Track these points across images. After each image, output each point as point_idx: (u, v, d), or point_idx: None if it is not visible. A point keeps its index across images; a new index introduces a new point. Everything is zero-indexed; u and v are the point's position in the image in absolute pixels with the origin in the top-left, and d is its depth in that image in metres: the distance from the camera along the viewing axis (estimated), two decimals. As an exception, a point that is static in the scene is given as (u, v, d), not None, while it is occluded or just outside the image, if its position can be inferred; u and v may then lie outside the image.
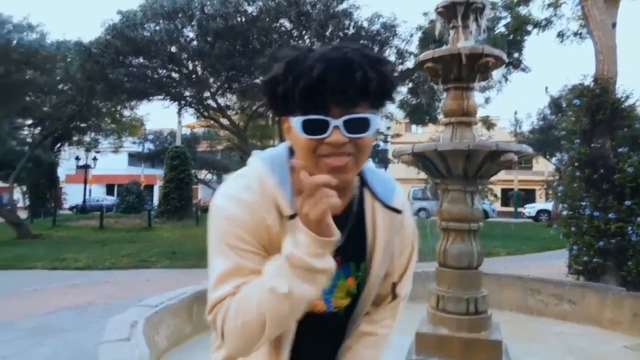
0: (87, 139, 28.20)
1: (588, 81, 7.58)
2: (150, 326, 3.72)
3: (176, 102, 16.87)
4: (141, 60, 14.72)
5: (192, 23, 13.80)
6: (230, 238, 0.98)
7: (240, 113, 19.45)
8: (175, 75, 15.50)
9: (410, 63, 15.15)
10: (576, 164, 7.29)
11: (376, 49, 14.67)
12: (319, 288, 0.92)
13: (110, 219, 22.16)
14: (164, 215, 22.43)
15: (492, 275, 5.37)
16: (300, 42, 14.66)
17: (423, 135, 30.54)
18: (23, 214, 21.46)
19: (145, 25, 13.91)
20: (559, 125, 8.95)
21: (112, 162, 37.68)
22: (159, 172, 34.93)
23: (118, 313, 3.86)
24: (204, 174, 38.07)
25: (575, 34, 15.84)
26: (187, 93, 16.35)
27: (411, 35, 16.10)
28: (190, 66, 14.98)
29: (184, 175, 23.08)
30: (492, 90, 20.02)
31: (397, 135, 31.54)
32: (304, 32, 14.42)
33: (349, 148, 0.93)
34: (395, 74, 0.95)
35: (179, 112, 19.05)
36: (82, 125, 22.56)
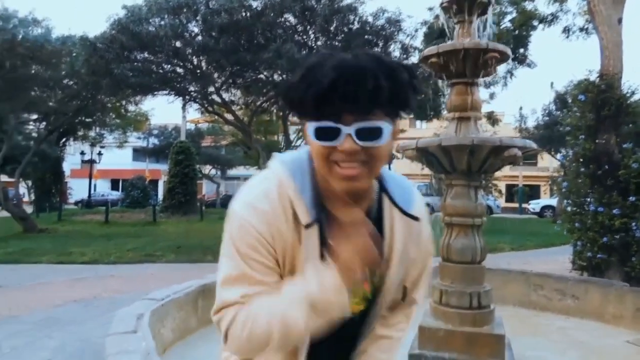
0: (92, 133, 28.28)
1: (593, 77, 7.56)
2: (156, 319, 3.76)
3: (181, 97, 16.90)
4: (146, 55, 14.73)
5: (197, 18, 13.80)
6: (243, 246, 1.00)
7: (244, 108, 19.44)
8: (179, 70, 15.51)
9: (415, 58, 15.11)
10: (581, 160, 7.29)
11: (381, 44, 14.66)
12: (332, 319, 0.98)
13: (115, 214, 22.26)
14: (168, 210, 22.51)
15: (496, 271, 5.39)
16: (304, 37, 14.65)
17: (427, 131, 30.46)
18: (28, 209, 21.57)
19: (150, 20, 13.91)
20: (564, 121, 8.92)
21: (117, 157, 37.77)
22: (163, 167, 35.05)
23: (124, 306, 3.90)
24: (208, 169, 38.13)
25: (581, 30, 15.77)
26: (191, 88, 16.37)
27: (416, 30, 16.06)
28: (195, 61, 14.99)
29: (188, 170, 23.14)
30: (497, 85, 19.98)
31: (402, 130, 31.28)
32: (308, 27, 14.40)
33: (362, 156, 0.93)
34: (415, 82, 0.96)
35: (184, 107, 19.10)
36: (87, 120, 22.60)
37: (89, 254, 11.28)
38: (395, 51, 15.24)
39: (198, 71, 15.13)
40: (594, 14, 7.80)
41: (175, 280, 5.25)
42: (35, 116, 20.95)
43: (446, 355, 3.18)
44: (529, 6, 17.22)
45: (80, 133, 26.86)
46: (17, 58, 14.68)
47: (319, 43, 14.66)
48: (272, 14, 13.60)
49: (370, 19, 14.44)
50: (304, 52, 13.60)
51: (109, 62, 13.61)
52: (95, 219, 20.89)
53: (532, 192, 38.08)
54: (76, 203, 35.10)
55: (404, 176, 1.20)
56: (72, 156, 33.77)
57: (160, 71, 15.19)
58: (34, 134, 23.49)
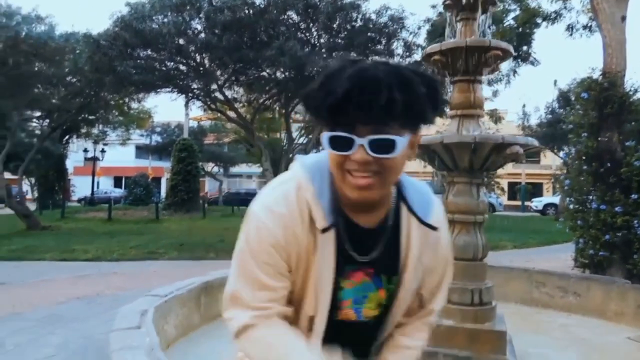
0: (95, 131, 28.32)
1: (596, 75, 7.55)
2: (160, 315, 3.78)
3: (184, 95, 16.92)
4: (149, 52, 14.75)
5: (200, 15, 13.80)
6: (257, 248, 1.02)
7: (247, 106, 19.46)
8: (182, 67, 15.53)
9: (417, 56, 15.10)
10: (583, 158, 7.29)
11: (383, 41, 14.65)
12: None
13: (118, 211, 22.32)
14: (171, 207, 22.56)
15: (498, 268, 5.40)
16: (307, 34, 14.65)
17: (430, 129, 30.37)
18: (32, 206, 21.63)
19: (154, 18, 13.93)
20: (567, 119, 8.92)
21: (120, 154, 37.84)
22: (166, 164, 35.07)
23: (126, 303, 3.91)
24: (210, 167, 38.17)
25: (585, 27, 15.71)
26: (194, 85, 16.39)
27: (419, 28, 16.05)
28: (198, 58, 15.01)
29: (191, 167, 23.18)
30: (501, 83, 19.93)
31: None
32: (311, 24, 14.40)
33: (375, 167, 0.93)
34: (434, 94, 0.95)
35: (187, 105, 19.10)
36: (91, 117, 22.65)
37: (92, 252, 11.31)
38: (398, 49, 15.25)
39: (201, 68, 15.14)
40: (597, 11, 7.78)
41: (178, 277, 5.27)
42: (38, 113, 20.99)
43: (448, 352, 3.19)
44: (532, 4, 17.18)
45: (83, 130, 26.90)
46: (21, 55, 14.72)
47: (321, 40, 14.67)
48: (275, 12, 13.60)
49: (373, 17, 14.43)
50: (307, 49, 13.60)
51: (112, 59, 13.64)
52: (98, 216, 20.95)
53: (535, 190, 38.05)
54: (79, 200, 35.19)
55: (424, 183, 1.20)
56: (75, 153, 33.79)
57: (163, 68, 15.21)
58: (37, 131, 23.55)
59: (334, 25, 14.14)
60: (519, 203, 35.69)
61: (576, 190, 7.42)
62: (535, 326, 4.76)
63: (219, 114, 21.24)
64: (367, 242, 1.06)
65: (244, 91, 18.08)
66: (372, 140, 0.91)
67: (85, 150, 32.09)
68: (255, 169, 35.18)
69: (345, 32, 14.34)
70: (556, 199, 26.22)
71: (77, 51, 15.77)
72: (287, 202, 1.01)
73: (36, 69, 15.98)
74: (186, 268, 8.72)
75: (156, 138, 39.56)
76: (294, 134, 21.90)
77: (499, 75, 19.00)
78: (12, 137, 17.10)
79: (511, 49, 3.54)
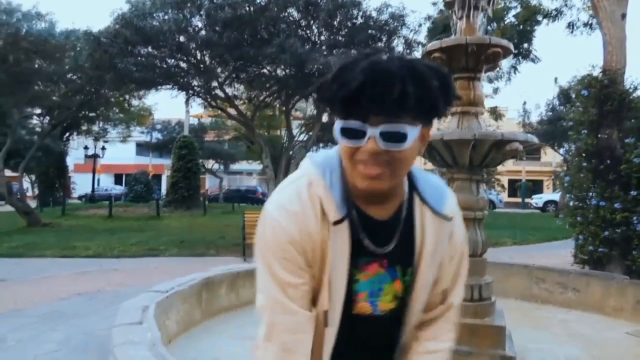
0: (95, 128, 28.32)
1: (597, 72, 7.56)
2: (161, 311, 3.81)
3: (184, 92, 16.92)
4: (150, 49, 14.74)
5: (201, 12, 13.80)
6: (275, 247, 1.03)
7: (247, 103, 19.46)
8: (183, 64, 15.53)
9: (418, 53, 15.09)
10: (583, 155, 7.31)
11: (384, 38, 14.65)
12: None
13: (118, 208, 22.34)
14: (172, 204, 22.59)
15: (498, 264, 5.42)
16: (308, 32, 14.64)
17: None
18: (32, 203, 21.67)
19: (154, 15, 13.93)
20: (567, 116, 8.93)
21: (121, 151, 37.87)
22: (166, 161, 35.10)
23: (128, 299, 3.94)
24: (211, 164, 38.18)
25: (585, 25, 15.70)
26: (195, 83, 16.39)
27: (420, 25, 16.05)
28: (199, 56, 15.00)
29: (191, 164, 23.19)
30: (501, 80, 19.92)
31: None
32: (312, 21, 14.39)
33: (385, 157, 0.94)
34: (447, 89, 0.96)
35: (187, 102, 19.10)
36: (91, 114, 22.65)
37: (93, 248, 11.35)
38: (398, 46, 15.23)
39: (201, 66, 15.14)
40: (597, 9, 7.78)
41: (178, 273, 5.29)
42: (38, 110, 20.99)
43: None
44: (533, 1, 17.16)
45: (83, 127, 26.91)
46: (21, 52, 14.72)
47: (322, 38, 14.66)
48: (275, 9, 13.59)
49: (374, 14, 14.43)
50: (307, 47, 13.60)
51: (112, 56, 13.64)
52: (99, 213, 20.99)
53: (535, 187, 38.07)
54: (80, 198, 35.23)
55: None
56: (76, 151, 33.84)
57: (164, 66, 15.21)
58: (38, 129, 23.55)
59: (335, 23, 14.14)
60: (519, 200, 35.71)
61: (576, 187, 7.45)
62: (535, 322, 4.78)
63: (219, 111, 21.24)
64: (380, 234, 1.06)
65: (245, 88, 18.09)
66: (383, 132, 0.92)
67: (86, 148, 32.09)
68: (256, 166, 35.21)
69: (346, 30, 14.33)
70: (556, 196, 26.25)
71: (78, 48, 15.78)
72: (299, 199, 1.03)
73: (36, 66, 15.98)
74: (187, 265, 8.74)
75: (157, 135, 39.52)
76: (294, 131, 21.90)
77: (500, 72, 19.01)
78: (13, 134, 17.12)
79: (511, 46, 3.56)
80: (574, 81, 12.30)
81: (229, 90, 17.09)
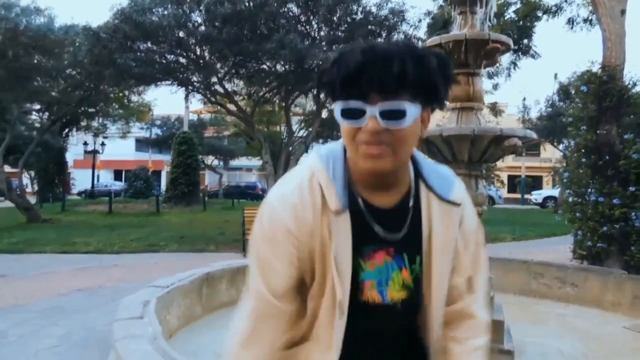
0: (95, 124, 28.27)
1: (596, 68, 7.58)
2: (162, 306, 3.83)
3: (184, 88, 16.90)
4: (149, 45, 14.72)
5: (200, 8, 13.78)
6: (267, 233, 1.05)
7: (247, 99, 19.44)
8: (182, 60, 15.50)
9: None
10: (582, 151, 7.34)
11: (384, 34, 14.63)
12: None
13: (118, 204, 22.33)
14: (171, 200, 22.58)
15: (497, 259, 5.44)
16: (307, 27, 14.62)
17: (431, 122, 30.32)
18: (32, 199, 21.65)
19: (154, 10, 13.91)
20: (567, 112, 8.95)
21: (120, 147, 37.82)
22: (166, 157, 35.03)
23: (128, 295, 3.97)
24: (210, 160, 38.14)
25: (585, 21, 15.68)
26: (194, 78, 16.37)
27: (419, 21, 16.04)
28: (198, 51, 14.98)
29: (191, 160, 23.16)
30: (501, 76, 19.89)
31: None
32: (311, 17, 14.37)
33: (386, 137, 0.95)
34: (446, 71, 0.98)
35: (187, 98, 19.09)
36: (90, 110, 22.61)
37: (93, 244, 11.37)
38: (398, 42, 15.18)
39: (201, 61, 15.12)
40: (597, 5, 7.78)
41: (178, 269, 5.32)
42: (38, 106, 20.94)
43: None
44: (533, -3, 17.13)
45: (83, 123, 26.87)
46: (20, 47, 14.68)
47: (322, 33, 14.64)
48: (275, 4, 13.57)
49: (373, 9, 14.41)
50: (307, 42, 13.58)
51: (112, 52, 13.62)
52: (99, 209, 20.98)
53: (535, 183, 38.10)
54: (79, 193, 35.19)
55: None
56: (75, 146, 33.79)
57: (164, 61, 15.19)
58: (37, 124, 23.51)
59: (334, 18, 14.11)
60: (518, 196, 35.77)
61: (575, 182, 7.47)
62: (533, 316, 4.81)
63: (219, 107, 21.23)
64: (387, 223, 1.06)
65: (244, 84, 18.06)
66: (383, 110, 0.93)
67: (85, 144, 32.05)
68: (255, 161, 35.16)
69: (346, 25, 14.31)
70: (556, 192, 26.27)
71: (77, 44, 15.75)
72: (299, 190, 1.03)
73: (35, 61, 15.94)
74: (187, 260, 8.77)
75: (156, 131, 39.48)
76: (294, 127, 21.90)
77: (500, 68, 18.98)
78: (12, 130, 17.10)
79: (510, 42, 3.58)
80: (574, 77, 12.32)
81: (228, 86, 17.07)
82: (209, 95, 17.67)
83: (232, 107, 17.91)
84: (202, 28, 14.03)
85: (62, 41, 15.54)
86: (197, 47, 14.80)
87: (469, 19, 3.66)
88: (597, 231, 6.82)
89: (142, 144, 44.06)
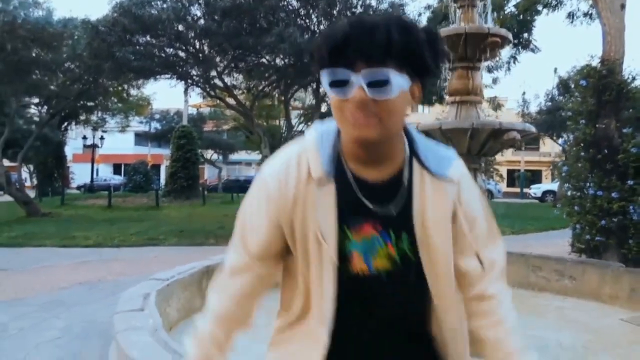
0: (94, 118, 28.25)
1: (595, 62, 7.58)
2: (162, 298, 3.85)
3: (183, 82, 16.88)
4: (148, 38, 14.68)
5: (200, 1, 13.74)
6: (251, 197, 1.11)
7: (246, 93, 19.41)
8: (182, 54, 15.47)
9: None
10: (581, 145, 7.35)
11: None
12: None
13: (118, 198, 22.36)
14: (171, 194, 22.60)
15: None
16: (307, 21, 14.58)
17: (430, 116, 30.45)
18: (31, 193, 21.65)
19: (153, 3, 13.85)
20: (566, 106, 8.96)
21: (119, 141, 37.82)
22: (165, 151, 35.05)
23: (128, 288, 3.99)
24: (210, 154, 38.14)
25: (585, 15, 15.67)
26: (193, 72, 16.33)
27: (419, 15, 16.00)
28: (197, 45, 14.94)
29: (190, 154, 23.17)
30: (501, 70, 19.88)
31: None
32: (311, 10, 14.32)
33: (373, 107, 0.95)
34: (434, 42, 0.98)
35: (186, 92, 19.07)
36: (89, 104, 22.56)
37: (93, 238, 11.38)
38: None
39: (200, 55, 15.09)
40: (597, -1, 7.78)
41: (178, 263, 5.33)
42: (36, 100, 20.91)
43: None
44: (533, -9, 17.09)
45: (82, 117, 26.84)
46: (18, 40, 14.61)
47: (321, 27, 14.59)
48: (274, -2, 13.52)
49: (373, 3, 14.37)
50: (307, 36, 13.54)
51: (111, 45, 13.57)
52: (98, 203, 21.00)
53: (534, 177, 38.14)
54: (79, 188, 35.21)
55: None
56: (74, 140, 33.76)
57: (163, 55, 15.15)
58: (36, 118, 23.49)
59: (334, 12, 14.06)
60: (517, 190, 35.80)
61: (574, 176, 7.49)
62: (531, 309, 4.83)
63: (218, 101, 21.21)
64: (374, 197, 1.05)
65: (244, 78, 18.03)
66: (368, 79, 0.93)
67: (84, 138, 32.04)
68: (255, 156, 35.17)
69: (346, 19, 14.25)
70: (555, 186, 26.31)
71: (76, 37, 15.68)
72: (287, 161, 1.07)
73: (34, 54, 15.89)
74: (186, 254, 8.79)
75: (155, 125, 39.45)
76: (293, 121, 21.90)
77: (499, 62, 18.96)
78: (11, 124, 17.07)
79: (510, 36, 3.58)
80: (574, 71, 12.33)
81: (227, 80, 17.04)
82: (208, 89, 17.64)
83: (231, 101, 17.89)
84: (202, 21, 13.99)
85: (60, 34, 15.48)
86: (196, 41, 14.76)
87: (469, 13, 3.66)
88: (595, 225, 6.85)
89: (141, 138, 44.04)
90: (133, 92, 23.57)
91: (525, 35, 18.28)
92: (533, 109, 28.55)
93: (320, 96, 16.51)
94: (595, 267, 5.19)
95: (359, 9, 14.17)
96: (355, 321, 1.09)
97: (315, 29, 14.54)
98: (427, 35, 0.97)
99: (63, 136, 27.68)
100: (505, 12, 17.34)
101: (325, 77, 0.97)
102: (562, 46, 64.96)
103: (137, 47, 14.40)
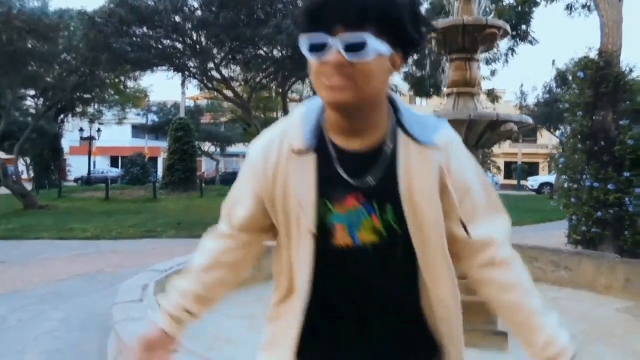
0: (91, 110, 28.14)
1: (593, 54, 7.59)
2: (161, 290, 3.86)
3: (180, 73, 16.82)
4: (145, 30, 14.61)
5: (196, -8, 13.69)
6: (242, 171, 1.16)
7: (244, 85, 19.36)
8: (179, 45, 15.40)
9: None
10: (578, 137, 7.38)
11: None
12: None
13: (115, 191, 22.32)
14: (168, 187, 22.60)
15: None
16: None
17: (428, 108, 30.43)
18: (28, 186, 21.58)
19: (149, -5, 13.80)
20: (564, 98, 8.98)
21: (116, 134, 37.70)
22: (162, 144, 34.99)
23: (127, 280, 4.00)
24: (207, 146, 38.08)
25: (584, 7, 15.61)
26: (191, 64, 16.28)
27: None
28: (195, 36, 14.88)
29: (188, 147, 23.15)
30: (499, 62, 19.84)
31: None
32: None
33: (349, 71, 0.94)
34: (415, 9, 0.98)
35: (183, 84, 19.01)
36: (86, 96, 22.45)
37: (91, 230, 11.38)
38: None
39: (197, 47, 15.03)
40: (595, -10, 7.76)
41: (176, 255, 5.35)
42: (33, 92, 20.80)
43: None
44: (531, -18, 17.01)
45: (79, 109, 26.73)
46: (14, 32, 14.49)
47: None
48: (272, -11, 13.47)
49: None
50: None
51: (107, 36, 13.51)
52: (96, 196, 20.97)
53: (531, 169, 38.23)
54: (76, 180, 35.15)
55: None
56: (71, 133, 33.64)
57: (160, 47, 15.09)
58: (32, 110, 23.37)
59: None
60: (515, 182, 35.88)
61: (571, 168, 7.53)
62: (528, 300, 4.86)
63: (215, 93, 21.14)
64: (355, 167, 1.04)
65: (241, 70, 17.97)
66: (345, 42, 0.93)
67: (81, 130, 31.94)
68: (252, 149, 35.05)
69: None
70: (552, 178, 26.38)
71: (72, 28, 15.60)
72: (273, 133, 1.10)
73: (30, 46, 15.78)
74: (184, 246, 8.77)
75: (153, 117, 39.35)
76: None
77: (498, 54, 18.92)
78: (7, 116, 17.00)
79: (508, 27, 3.59)
80: (572, 63, 12.32)
81: (225, 72, 16.98)
82: (205, 82, 17.58)
83: (229, 93, 17.84)
84: (199, 13, 13.93)
85: (56, 25, 15.36)
86: (193, 32, 14.70)
87: (467, 4, 3.66)
88: (591, 216, 6.88)
89: (138, 130, 43.94)
90: (130, 84, 23.51)
91: (524, 27, 18.21)
92: (531, 101, 28.60)
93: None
94: (591, 258, 5.23)
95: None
96: (343, 299, 1.08)
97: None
98: (408, 2, 0.97)
99: (60, 129, 27.59)
100: (504, 4, 17.28)
101: (304, 42, 0.97)
102: (561, 38, 64.89)
103: (134, 39, 14.33)
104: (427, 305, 1.09)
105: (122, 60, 14.43)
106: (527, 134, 35.67)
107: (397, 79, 19.86)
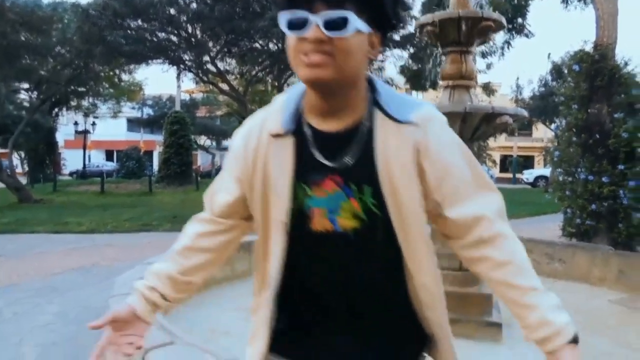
0: (85, 103, 27.99)
1: (589, 47, 7.60)
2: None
3: (175, 66, 16.76)
4: (139, 22, 14.55)
5: (191, -15, 13.62)
6: (225, 160, 1.19)
7: (239, 78, 19.32)
8: (174, 38, 15.35)
9: (412, 27, 14.98)
10: (573, 129, 7.40)
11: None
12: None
13: (110, 184, 22.27)
14: (164, 180, 22.55)
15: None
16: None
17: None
18: (22, 180, 21.51)
19: (144, -13, 13.71)
20: (559, 92, 9.00)
21: (111, 127, 37.56)
22: (158, 137, 34.87)
23: (122, 273, 3.99)
24: (203, 140, 37.99)
25: (580, 0, 15.62)
26: (186, 57, 16.22)
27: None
28: (190, 29, 14.82)
29: (183, 140, 23.07)
30: (495, 55, 19.86)
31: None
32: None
33: (328, 47, 0.93)
34: None
35: (178, 77, 18.92)
36: (80, 89, 22.35)
37: (86, 224, 11.36)
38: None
39: (192, 39, 14.97)
40: (590, -17, 7.77)
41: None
42: (26, 85, 20.69)
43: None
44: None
45: (73, 103, 26.55)
46: (7, 24, 14.41)
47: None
48: (267, -19, 13.41)
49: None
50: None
51: (101, 29, 13.44)
52: (91, 189, 20.91)
53: (527, 162, 38.34)
54: (71, 174, 35.03)
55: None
56: (66, 127, 33.48)
57: (154, 39, 15.03)
58: (26, 104, 23.26)
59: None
60: (510, 175, 35.99)
61: (565, 161, 7.56)
62: (522, 292, 4.89)
63: (211, 86, 21.10)
64: (332, 148, 1.02)
65: (237, 63, 17.93)
66: (325, 19, 0.92)
67: (76, 123, 31.77)
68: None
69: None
70: (547, 171, 26.47)
71: (66, 21, 15.51)
72: (253, 120, 1.12)
73: (23, 38, 15.68)
74: (180, 239, 8.79)
75: (147, 111, 39.23)
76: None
77: (493, 47, 18.93)
78: (1, 110, 16.92)
79: (503, 20, 3.59)
80: (567, 57, 12.35)
81: (220, 65, 16.94)
82: (201, 75, 17.53)
83: (224, 86, 17.81)
84: (194, 5, 13.88)
85: (50, 18, 15.28)
86: (188, 25, 14.64)
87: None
88: (586, 209, 6.93)
89: (133, 123, 43.74)
90: (125, 77, 23.43)
91: (520, 20, 18.24)
92: (526, 94, 28.65)
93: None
94: (584, 251, 5.26)
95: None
96: (327, 287, 1.07)
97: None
98: None
99: (54, 122, 27.44)
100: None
101: (283, 19, 0.96)
102: (556, 31, 64.92)
103: (129, 31, 14.27)
104: (412, 292, 1.08)
105: (117, 52, 14.37)
106: (522, 127, 35.76)
107: (393, 72, 19.87)
